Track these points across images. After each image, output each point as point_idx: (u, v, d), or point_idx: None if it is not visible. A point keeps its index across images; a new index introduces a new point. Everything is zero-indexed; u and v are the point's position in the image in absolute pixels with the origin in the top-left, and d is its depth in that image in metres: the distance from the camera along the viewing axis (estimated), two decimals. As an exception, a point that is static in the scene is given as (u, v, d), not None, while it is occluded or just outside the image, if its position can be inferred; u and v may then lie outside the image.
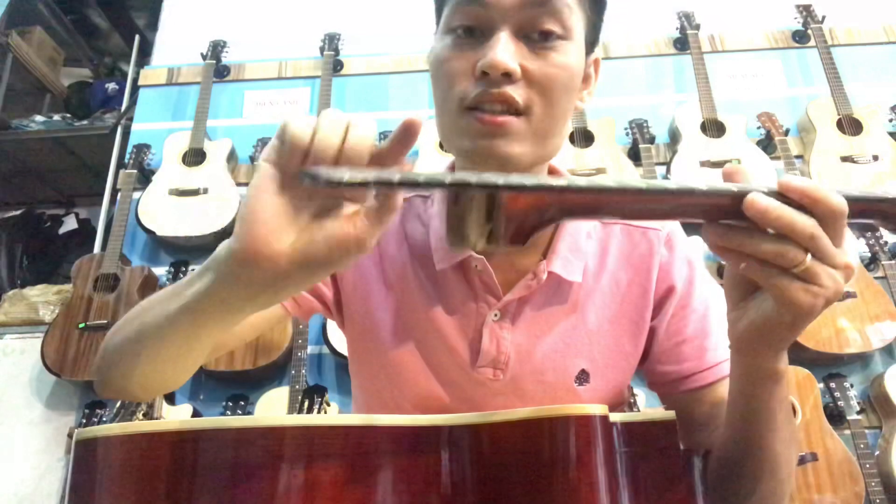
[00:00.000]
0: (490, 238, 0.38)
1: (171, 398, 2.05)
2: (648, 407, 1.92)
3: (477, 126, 0.59)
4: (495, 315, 0.69)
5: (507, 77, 0.58)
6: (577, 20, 0.61)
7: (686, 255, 0.74)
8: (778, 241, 0.41)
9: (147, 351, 0.54)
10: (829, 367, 1.95)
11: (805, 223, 0.41)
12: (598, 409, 0.43)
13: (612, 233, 0.74)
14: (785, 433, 0.58)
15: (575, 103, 0.65)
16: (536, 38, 0.59)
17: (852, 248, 0.45)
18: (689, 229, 0.77)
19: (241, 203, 0.41)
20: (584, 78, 0.67)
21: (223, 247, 0.44)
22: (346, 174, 0.36)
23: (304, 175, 0.37)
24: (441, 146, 2.20)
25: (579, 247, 0.70)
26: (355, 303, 0.74)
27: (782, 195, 0.41)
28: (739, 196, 0.40)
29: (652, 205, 0.41)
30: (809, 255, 0.42)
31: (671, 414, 0.49)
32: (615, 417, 0.45)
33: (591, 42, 0.66)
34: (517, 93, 0.58)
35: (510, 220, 0.38)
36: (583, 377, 0.71)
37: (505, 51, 0.57)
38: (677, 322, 0.72)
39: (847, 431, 1.84)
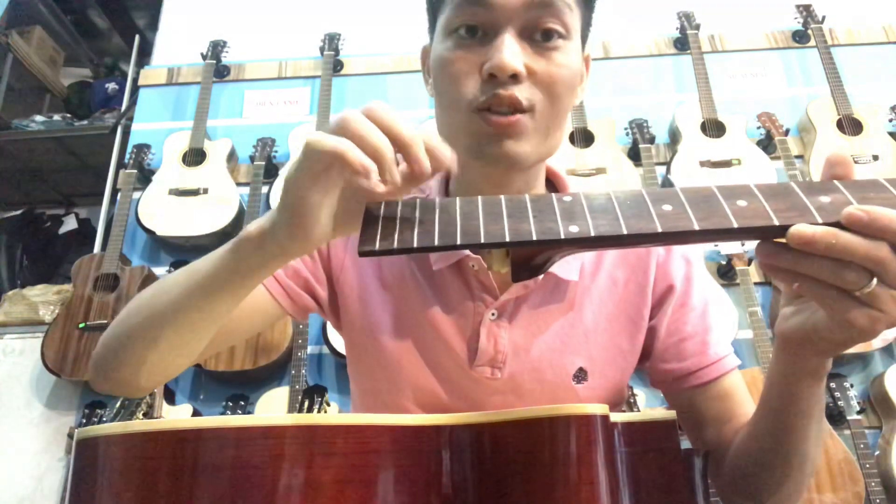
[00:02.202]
0: (512, 270, 0.45)
1: (171, 398, 2.05)
2: (648, 407, 1.92)
3: (486, 128, 0.60)
4: (492, 314, 0.69)
5: (514, 78, 0.58)
6: (575, 19, 0.62)
7: (683, 252, 0.75)
8: (836, 262, 0.38)
9: (173, 328, 0.57)
10: (829, 366, 1.95)
11: (869, 249, 0.37)
12: (598, 409, 0.43)
13: None
14: (816, 430, 0.57)
15: (574, 100, 0.66)
16: (539, 38, 0.60)
17: None
18: None
19: (287, 186, 0.46)
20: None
21: (267, 226, 0.50)
22: (436, 240, 0.41)
23: (380, 250, 0.41)
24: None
25: None
26: (353, 303, 0.74)
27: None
28: (783, 227, 0.38)
29: (681, 240, 0.40)
30: (875, 280, 0.39)
31: (671, 414, 0.49)
32: (615, 417, 0.45)
33: (585, 38, 0.67)
34: (522, 93, 0.59)
35: (515, 261, 0.45)
36: (581, 375, 0.71)
37: (511, 52, 0.58)
38: (677, 320, 0.73)
39: (847, 431, 1.84)
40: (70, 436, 2.05)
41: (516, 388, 0.70)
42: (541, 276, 0.68)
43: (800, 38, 2.51)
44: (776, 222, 0.38)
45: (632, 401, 1.88)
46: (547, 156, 0.66)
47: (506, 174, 0.65)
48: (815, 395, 0.54)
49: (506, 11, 0.59)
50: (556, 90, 0.61)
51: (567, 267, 0.69)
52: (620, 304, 0.72)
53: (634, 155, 2.25)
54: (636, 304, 0.72)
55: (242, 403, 2.02)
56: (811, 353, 0.49)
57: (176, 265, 2.19)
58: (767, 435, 0.59)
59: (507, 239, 0.40)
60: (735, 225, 0.39)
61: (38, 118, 3.25)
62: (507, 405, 0.70)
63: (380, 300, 0.73)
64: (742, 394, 0.73)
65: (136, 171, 2.34)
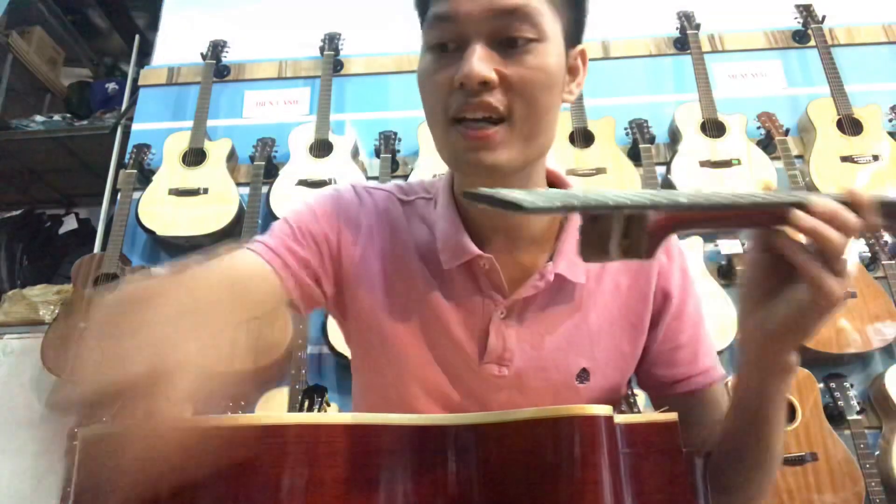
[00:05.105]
0: (628, 252, 0.42)
1: (171, 398, 2.04)
2: (649, 408, 1.92)
3: (461, 141, 0.62)
4: (501, 313, 0.70)
5: (485, 85, 0.59)
6: (549, 21, 0.62)
7: (681, 263, 0.77)
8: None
9: None
10: (829, 367, 1.95)
11: (854, 221, 0.48)
12: (602, 410, 0.44)
13: None
14: (782, 427, 0.62)
15: (560, 99, 0.66)
16: (509, 43, 0.61)
17: None
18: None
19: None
20: (571, 70, 0.68)
21: None
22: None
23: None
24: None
25: None
26: (362, 297, 0.74)
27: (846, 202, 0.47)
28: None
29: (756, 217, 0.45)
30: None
31: (673, 415, 0.50)
32: (618, 418, 0.45)
33: (574, 36, 0.67)
34: (496, 99, 0.60)
35: (652, 236, 0.42)
36: (583, 375, 0.72)
37: (478, 60, 0.59)
38: (673, 328, 0.75)
39: (847, 431, 1.84)
40: (70, 436, 2.05)
41: (521, 385, 0.71)
42: (552, 278, 0.70)
43: (800, 38, 2.50)
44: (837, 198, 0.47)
45: (632, 401, 1.88)
46: (535, 158, 0.67)
47: (490, 182, 0.65)
48: (784, 390, 0.58)
49: (472, 23, 0.60)
50: (531, 93, 0.61)
51: (575, 269, 0.71)
52: (623, 308, 0.74)
53: (634, 155, 2.25)
54: (638, 310, 0.74)
55: (242, 403, 2.01)
56: (799, 336, 0.52)
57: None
58: (741, 433, 0.62)
59: (649, 203, 0.41)
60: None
61: (38, 118, 3.25)
62: (512, 401, 0.71)
63: (388, 295, 0.73)
64: (725, 404, 0.74)
65: (136, 171, 2.34)
